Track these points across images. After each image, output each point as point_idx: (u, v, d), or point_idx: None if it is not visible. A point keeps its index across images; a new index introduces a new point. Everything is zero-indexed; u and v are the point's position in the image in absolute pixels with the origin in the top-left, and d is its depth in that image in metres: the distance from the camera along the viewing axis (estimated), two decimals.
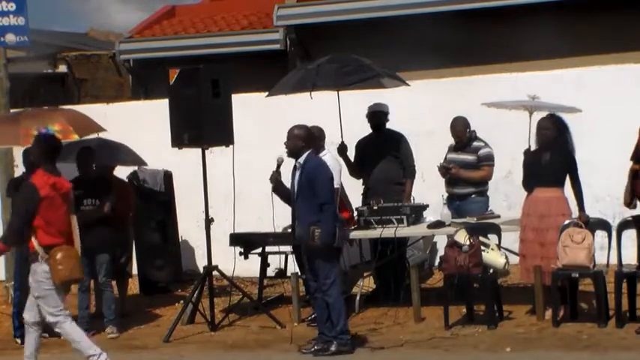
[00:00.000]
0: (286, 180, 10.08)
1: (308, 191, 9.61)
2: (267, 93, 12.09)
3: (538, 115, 10.79)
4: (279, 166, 9.99)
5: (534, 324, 10.28)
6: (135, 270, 13.36)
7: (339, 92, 11.73)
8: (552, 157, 10.30)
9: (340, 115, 11.59)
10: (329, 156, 10.81)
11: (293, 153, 9.77)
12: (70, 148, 12.19)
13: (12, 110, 13.27)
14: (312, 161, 9.76)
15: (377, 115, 11.71)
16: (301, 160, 9.72)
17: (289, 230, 10.39)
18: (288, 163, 10.00)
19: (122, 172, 12.98)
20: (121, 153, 12.47)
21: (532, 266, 10.32)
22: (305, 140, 9.76)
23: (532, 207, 10.40)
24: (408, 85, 12.08)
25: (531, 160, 10.50)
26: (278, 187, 10.02)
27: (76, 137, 11.12)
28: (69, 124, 11.10)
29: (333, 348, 9.67)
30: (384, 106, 11.73)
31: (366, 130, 11.84)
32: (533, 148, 10.66)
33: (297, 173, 9.73)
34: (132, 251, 12.99)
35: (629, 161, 10.05)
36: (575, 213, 10.26)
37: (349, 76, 11.43)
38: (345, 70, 11.45)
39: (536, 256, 10.32)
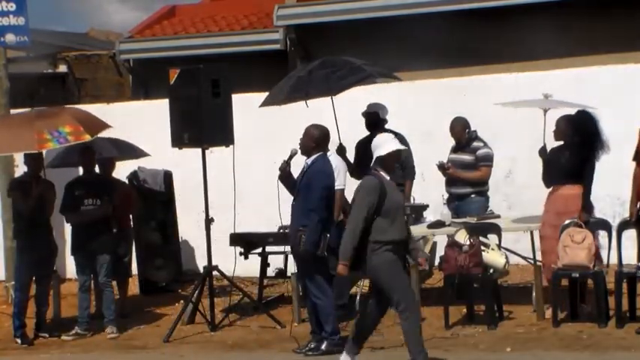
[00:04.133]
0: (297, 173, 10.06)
1: (305, 193, 9.64)
2: (266, 93, 12.08)
3: (553, 113, 10.78)
4: (291, 157, 9.96)
5: (534, 324, 10.28)
6: (135, 270, 13.37)
7: (333, 96, 11.70)
8: (571, 156, 10.27)
9: (335, 117, 11.55)
10: (333, 156, 10.81)
11: (304, 151, 9.82)
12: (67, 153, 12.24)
13: (12, 111, 13.27)
14: (317, 164, 9.78)
15: (369, 116, 11.70)
16: (309, 160, 9.74)
17: (285, 230, 10.37)
18: (301, 159, 9.99)
19: (122, 172, 13.00)
20: (121, 147, 12.49)
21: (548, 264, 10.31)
22: (316, 141, 9.79)
23: (551, 204, 10.41)
24: (400, 79, 12.15)
25: (551, 157, 10.50)
26: (284, 176, 9.97)
27: (88, 137, 11.06)
28: (79, 123, 11.06)
29: (323, 347, 9.70)
30: (376, 106, 11.69)
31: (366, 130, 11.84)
32: (548, 145, 10.65)
33: (303, 173, 9.76)
34: (132, 251, 13.00)
35: (629, 162, 10.04)
36: (599, 211, 10.24)
37: (341, 80, 11.46)
38: (337, 75, 11.45)
39: (555, 252, 10.28)
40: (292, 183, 9.96)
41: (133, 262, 13.02)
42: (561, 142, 10.48)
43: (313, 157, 9.76)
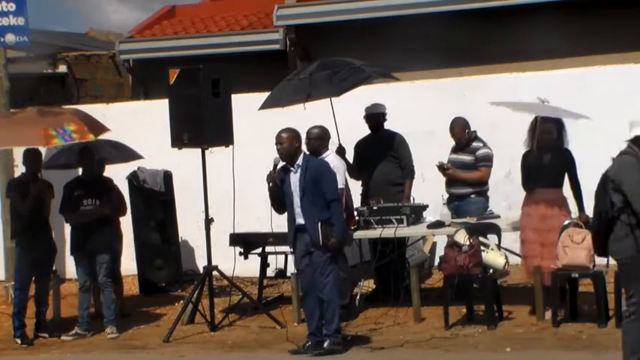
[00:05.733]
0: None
1: (313, 190, 9.64)
2: (266, 93, 12.08)
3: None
4: (275, 166, 9.99)
5: (534, 324, 10.28)
6: (135, 270, 13.36)
7: (335, 97, 11.70)
8: (553, 158, 10.30)
9: (335, 119, 11.55)
10: (333, 156, 10.81)
11: (289, 156, 9.78)
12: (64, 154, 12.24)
13: (12, 110, 13.27)
14: (313, 161, 9.83)
15: (374, 117, 11.71)
16: (299, 161, 9.74)
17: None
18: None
19: (122, 171, 12.99)
20: (116, 150, 12.47)
21: (532, 266, 10.33)
22: (299, 141, 9.86)
23: (533, 207, 10.39)
24: (398, 79, 12.22)
25: (531, 161, 10.48)
26: (274, 187, 10.02)
27: (91, 137, 11.11)
28: (83, 123, 11.10)
29: (325, 346, 9.68)
30: (380, 106, 11.72)
31: (366, 130, 11.83)
32: (531, 149, 10.62)
33: (297, 175, 9.74)
34: (121, 253, 12.82)
35: None
36: (575, 213, 10.26)
37: (343, 82, 11.46)
38: (338, 77, 11.46)
39: (536, 256, 10.31)
40: (278, 195, 9.97)
41: (125, 263, 12.86)
42: (538, 146, 10.43)
43: (300, 157, 9.79)
